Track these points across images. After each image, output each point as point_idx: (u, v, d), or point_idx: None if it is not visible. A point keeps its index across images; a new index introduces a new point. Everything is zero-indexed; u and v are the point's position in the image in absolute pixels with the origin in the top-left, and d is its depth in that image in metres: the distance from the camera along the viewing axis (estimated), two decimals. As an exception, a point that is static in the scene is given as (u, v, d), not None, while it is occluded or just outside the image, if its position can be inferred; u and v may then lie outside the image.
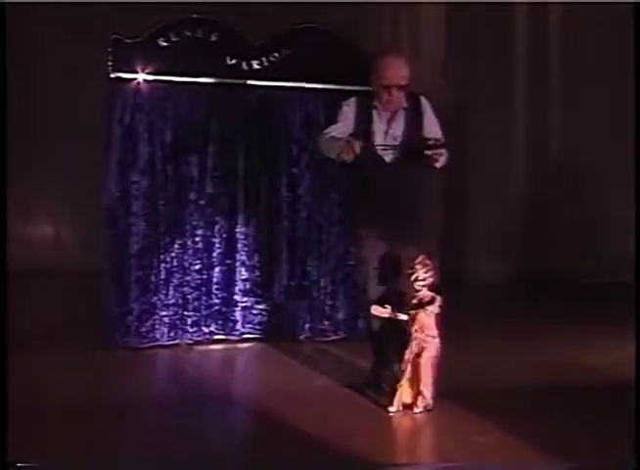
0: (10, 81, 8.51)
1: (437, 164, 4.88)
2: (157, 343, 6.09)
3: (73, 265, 8.12)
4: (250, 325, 6.29)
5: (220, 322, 6.25)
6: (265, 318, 6.32)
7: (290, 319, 6.34)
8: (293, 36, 6.37)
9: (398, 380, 4.64)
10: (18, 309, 7.13)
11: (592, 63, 9.16)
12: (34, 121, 8.76)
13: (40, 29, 8.62)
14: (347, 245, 6.44)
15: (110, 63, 5.91)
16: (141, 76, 5.94)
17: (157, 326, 6.10)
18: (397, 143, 4.92)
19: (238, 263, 6.29)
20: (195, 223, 6.16)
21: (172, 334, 6.13)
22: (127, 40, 5.93)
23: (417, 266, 4.61)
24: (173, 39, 5.98)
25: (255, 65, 6.21)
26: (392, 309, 4.69)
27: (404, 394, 4.62)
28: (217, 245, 6.23)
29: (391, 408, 4.62)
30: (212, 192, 6.18)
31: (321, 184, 6.39)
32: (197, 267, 6.18)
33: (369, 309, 4.88)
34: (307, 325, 6.33)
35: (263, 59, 6.24)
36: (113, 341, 6.01)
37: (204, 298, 6.21)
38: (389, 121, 4.97)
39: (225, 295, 6.24)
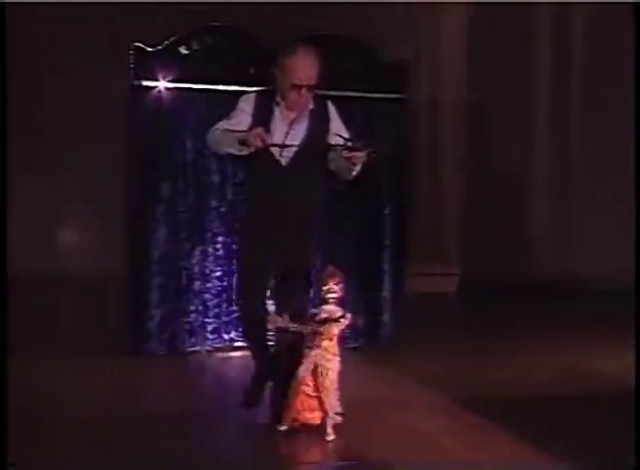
0: (33, 86, 8.70)
1: (354, 171, 4.50)
2: (177, 349, 6.12)
3: (94, 272, 8.14)
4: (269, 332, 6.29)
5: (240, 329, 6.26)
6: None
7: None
8: (312, 43, 6.37)
9: (286, 395, 4.40)
10: (39, 316, 7.22)
11: (613, 68, 9.13)
12: (58, 127, 8.80)
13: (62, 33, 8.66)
14: (368, 253, 6.49)
15: (131, 70, 5.95)
16: (162, 84, 5.97)
17: (177, 333, 6.13)
18: (298, 144, 4.54)
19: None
20: (216, 230, 6.18)
21: (193, 340, 6.15)
22: (149, 48, 5.97)
23: (328, 279, 4.35)
24: (194, 47, 6.02)
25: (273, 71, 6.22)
26: (290, 321, 4.40)
27: (294, 410, 4.37)
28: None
29: (281, 427, 4.37)
30: (233, 199, 6.20)
31: (345, 190, 6.39)
32: (217, 274, 6.20)
33: (246, 320, 4.72)
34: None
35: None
36: (133, 347, 6.04)
37: (224, 305, 6.22)
38: (292, 122, 4.56)
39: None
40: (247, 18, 6.84)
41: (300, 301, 4.59)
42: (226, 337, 6.23)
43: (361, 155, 4.39)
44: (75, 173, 8.82)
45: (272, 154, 4.49)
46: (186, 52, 6.01)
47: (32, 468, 3.89)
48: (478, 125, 9.23)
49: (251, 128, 4.45)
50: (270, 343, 4.78)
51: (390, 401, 5.06)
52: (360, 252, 6.52)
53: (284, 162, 4.53)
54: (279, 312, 4.47)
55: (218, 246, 6.19)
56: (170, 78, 5.98)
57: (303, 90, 4.48)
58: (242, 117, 4.56)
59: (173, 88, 6.00)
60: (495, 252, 9.23)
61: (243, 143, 4.36)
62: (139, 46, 5.95)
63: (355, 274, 6.48)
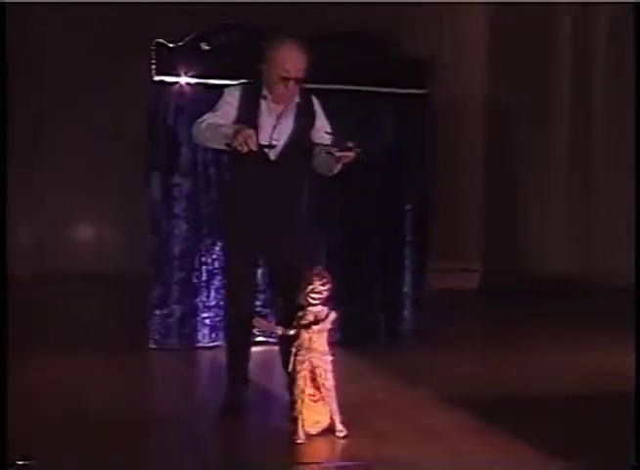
0: (55, 83, 8.74)
1: (335, 169, 4.48)
2: (197, 344, 6.14)
3: (115, 268, 8.18)
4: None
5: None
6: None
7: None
8: (331, 40, 6.40)
9: (294, 407, 4.29)
10: (62, 312, 7.26)
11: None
12: (80, 124, 8.85)
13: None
14: (389, 248, 6.50)
15: (153, 66, 5.97)
16: (183, 80, 5.99)
17: (198, 328, 6.15)
18: (285, 139, 4.46)
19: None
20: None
21: (213, 336, 6.16)
22: (170, 44, 5.99)
23: (313, 278, 4.22)
24: (215, 43, 6.03)
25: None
26: (277, 323, 4.38)
27: (307, 422, 4.26)
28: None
29: (299, 440, 4.23)
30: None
31: (363, 186, 6.41)
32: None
33: (236, 320, 4.62)
34: (345, 329, 6.32)
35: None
36: (154, 342, 6.07)
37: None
38: (280, 116, 4.49)
39: (265, 297, 6.25)
40: (267, 14, 6.86)
41: (290, 299, 4.45)
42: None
43: (351, 154, 4.33)
44: (96, 170, 8.85)
45: (261, 149, 4.37)
46: (207, 48, 6.03)
47: (60, 464, 3.92)
48: (499, 122, 9.20)
49: (236, 121, 4.40)
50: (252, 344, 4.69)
51: (410, 399, 5.05)
52: (381, 248, 6.52)
53: (272, 156, 4.46)
54: (264, 316, 4.42)
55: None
56: (191, 74, 6.00)
57: (291, 83, 4.42)
58: (227, 110, 4.48)
59: (194, 84, 6.02)
60: (516, 249, 9.21)
61: (230, 144, 4.28)
62: (160, 42, 5.97)
63: (376, 270, 6.49)
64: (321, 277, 4.24)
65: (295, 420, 4.26)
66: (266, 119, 4.47)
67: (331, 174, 4.58)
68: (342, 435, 4.28)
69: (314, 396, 4.30)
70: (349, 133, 6.19)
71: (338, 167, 4.47)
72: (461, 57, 9.33)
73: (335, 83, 6.28)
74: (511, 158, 9.27)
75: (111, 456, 4.02)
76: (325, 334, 4.29)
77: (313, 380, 4.28)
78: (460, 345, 6.51)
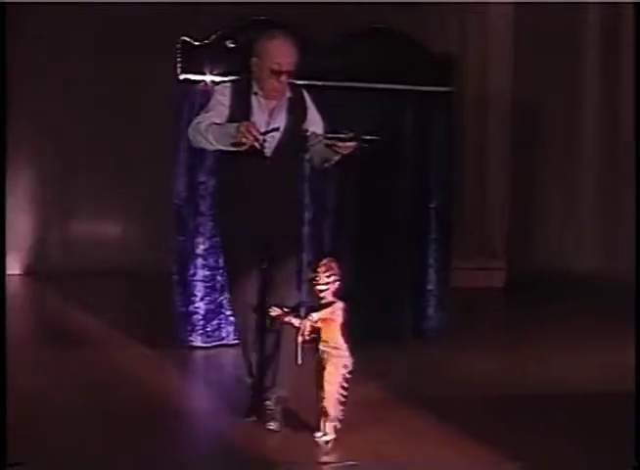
0: (81, 80, 8.78)
1: (332, 160, 4.38)
2: (222, 342, 6.15)
3: (140, 265, 8.21)
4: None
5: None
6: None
7: (353, 320, 6.33)
8: (359, 37, 6.39)
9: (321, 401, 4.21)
10: (86, 308, 7.30)
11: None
12: (105, 122, 8.89)
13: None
14: (414, 246, 6.49)
15: (178, 65, 5.98)
16: (209, 78, 6.00)
17: (222, 325, 6.16)
18: (279, 135, 4.38)
19: (303, 264, 6.31)
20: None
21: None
22: (196, 42, 6.00)
23: (319, 269, 4.21)
24: (240, 41, 6.03)
25: (323, 66, 6.24)
26: (289, 314, 4.31)
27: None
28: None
29: (325, 437, 4.22)
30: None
31: (387, 184, 6.40)
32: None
33: (237, 315, 4.59)
34: (370, 327, 6.32)
35: (330, 60, 6.27)
36: (179, 340, 6.09)
37: (268, 297, 6.24)
38: (272, 111, 4.44)
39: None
40: (293, 11, 6.85)
41: (288, 292, 4.47)
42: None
43: (351, 145, 4.25)
44: (121, 168, 8.88)
45: (255, 145, 4.26)
46: (232, 46, 6.03)
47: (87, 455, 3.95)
48: (524, 119, 9.15)
49: (229, 120, 4.34)
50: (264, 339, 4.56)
51: (435, 397, 5.04)
52: (405, 246, 6.51)
53: (267, 152, 4.37)
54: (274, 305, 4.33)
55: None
56: (217, 72, 6.00)
57: (283, 77, 4.37)
58: (220, 110, 4.41)
59: (220, 82, 6.01)
60: (542, 247, 9.16)
61: (237, 144, 4.19)
62: (186, 40, 5.99)
63: (400, 268, 6.48)
64: (327, 268, 4.21)
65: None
66: (258, 116, 4.40)
67: (327, 166, 4.51)
68: (323, 439, 4.18)
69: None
70: (373, 130, 6.28)
71: (335, 159, 4.38)
72: (486, 54, 9.28)
73: (360, 81, 6.29)
74: (535, 156, 9.21)
75: (136, 451, 4.06)
76: (335, 326, 4.22)
77: (319, 371, 4.22)
78: (484, 343, 6.49)
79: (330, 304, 4.22)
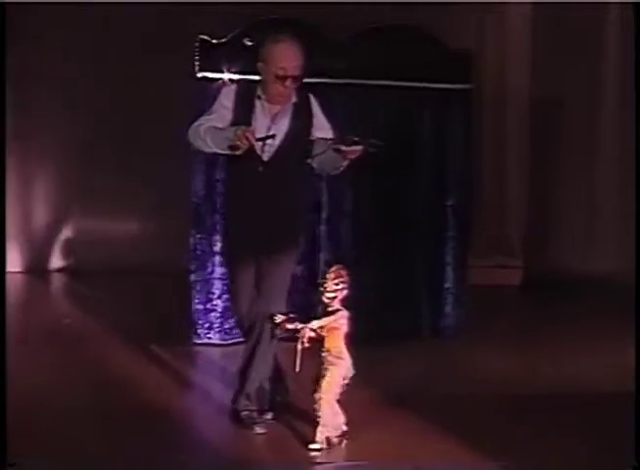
0: (100, 78, 8.81)
1: (342, 166, 4.35)
2: (240, 339, 6.14)
3: (158, 262, 8.22)
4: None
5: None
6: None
7: (371, 318, 6.35)
8: (375, 34, 6.40)
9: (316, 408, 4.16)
10: (104, 305, 7.33)
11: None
12: (124, 120, 8.91)
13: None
14: (431, 244, 6.49)
15: (196, 63, 5.99)
16: (226, 76, 6.01)
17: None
18: (281, 138, 4.34)
19: (321, 261, 6.32)
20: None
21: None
22: (214, 40, 6.01)
23: (328, 276, 4.15)
24: (258, 39, 6.02)
25: (340, 64, 6.24)
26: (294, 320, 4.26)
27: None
28: (300, 244, 6.26)
29: (315, 445, 4.15)
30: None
31: (405, 182, 6.41)
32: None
33: (239, 320, 4.56)
34: (388, 324, 6.33)
35: (348, 58, 6.27)
36: (197, 337, 6.11)
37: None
38: (275, 116, 4.38)
39: (308, 292, 6.27)
40: (311, 9, 6.85)
41: (281, 300, 4.43)
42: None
43: (358, 149, 4.19)
44: (139, 165, 8.90)
45: (254, 149, 4.24)
46: (250, 44, 6.03)
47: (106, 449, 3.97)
48: (542, 117, 9.11)
49: (232, 124, 4.31)
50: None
51: (451, 395, 5.04)
52: (422, 244, 6.51)
53: (265, 157, 4.33)
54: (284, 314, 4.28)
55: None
56: (234, 70, 6.01)
57: (288, 81, 4.31)
58: (223, 113, 4.38)
59: (237, 80, 6.02)
60: (559, 245, 9.13)
61: (233, 147, 4.17)
62: (204, 38, 6.00)
63: (417, 266, 6.48)
64: (336, 276, 4.16)
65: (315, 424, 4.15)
66: (261, 120, 4.37)
67: (336, 173, 4.48)
68: (313, 447, 4.12)
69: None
70: (391, 128, 6.30)
71: (344, 164, 4.34)
72: (504, 51, 9.24)
73: (377, 79, 6.29)
74: (553, 154, 9.18)
75: (153, 446, 4.08)
76: (339, 334, 4.17)
77: (317, 379, 4.17)
78: (501, 341, 6.48)
79: (335, 312, 4.16)
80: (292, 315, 4.27)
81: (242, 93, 4.44)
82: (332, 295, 4.15)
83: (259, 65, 4.40)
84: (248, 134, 4.12)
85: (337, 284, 4.14)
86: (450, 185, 6.56)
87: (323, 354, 4.15)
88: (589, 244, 9.20)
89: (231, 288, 4.64)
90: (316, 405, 4.15)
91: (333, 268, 4.20)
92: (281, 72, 4.29)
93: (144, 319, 6.82)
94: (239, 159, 4.25)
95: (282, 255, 4.46)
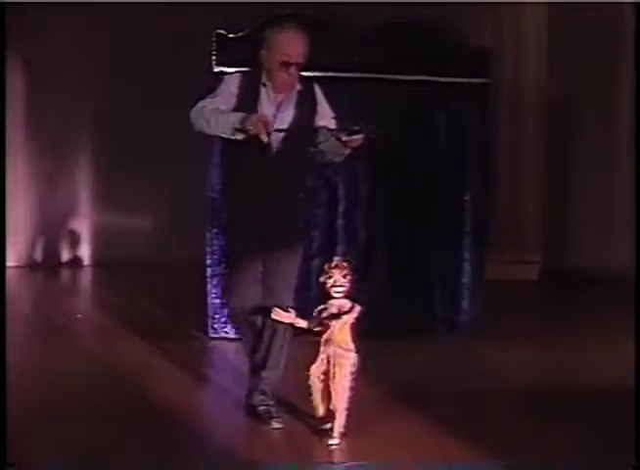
0: (118, 76, 8.84)
1: (345, 153, 4.35)
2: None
3: (175, 257, 8.25)
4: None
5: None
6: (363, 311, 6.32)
7: (387, 313, 6.35)
8: (388, 30, 6.39)
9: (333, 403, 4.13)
10: (122, 299, 7.37)
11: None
12: (136, 116, 8.94)
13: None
14: (448, 239, 6.48)
15: (213, 57, 6.00)
16: (243, 70, 5.99)
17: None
18: (286, 127, 4.31)
19: (337, 255, 6.30)
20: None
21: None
22: (230, 35, 6.02)
23: (333, 270, 4.06)
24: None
25: (353, 59, 6.24)
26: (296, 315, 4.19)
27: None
28: (317, 237, 6.28)
29: (333, 440, 4.12)
30: (312, 185, 6.21)
31: (422, 176, 6.40)
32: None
33: (235, 312, 4.48)
34: (405, 319, 6.33)
35: (365, 53, 6.27)
36: (213, 331, 6.13)
37: (303, 290, 6.24)
38: (280, 104, 4.35)
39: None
40: (327, 5, 6.85)
41: (285, 293, 4.38)
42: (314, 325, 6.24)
43: (358, 138, 4.17)
44: (158, 162, 8.93)
45: (258, 137, 4.14)
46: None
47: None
48: (560, 112, 9.08)
49: (235, 109, 4.27)
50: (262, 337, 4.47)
51: (469, 390, 5.04)
52: (439, 238, 6.50)
53: (274, 146, 4.31)
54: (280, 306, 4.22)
55: (298, 231, 6.23)
56: (251, 65, 5.99)
57: (292, 69, 4.29)
58: (227, 97, 4.32)
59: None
60: (577, 240, 9.10)
61: (241, 129, 4.12)
62: (221, 33, 6.00)
63: (434, 261, 6.47)
64: (341, 269, 4.09)
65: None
66: (267, 108, 4.33)
67: (339, 160, 4.49)
68: (333, 442, 4.11)
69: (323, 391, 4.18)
70: (408, 121, 6.29)
71: (346, 152, 4.34)
72: (522, 45, 9.21)
73: (394, 73, 6.28)
74: (572, 148, 9.15)
75: (170, 442, 4.10)
76: (347, 327, 4.13)
77: (325, 374, 4.15)
78: (518, 336, 6.46)
79: (351, 308, 4.11)
80: (289, 310, 4.21)
81: (247, 80, 4.40)
82: (341, 288, 4.09)
83: (263, 53, 4.37)
84: (264, 120, 4.10)
85: (344, 277, 4.09)
86: (467, 180, 6.55)
87: (332, 348, 4.11)
88: (607, 238, 9.17)
89: (231, 282, 4.52)
90: (333, 399, 4.12)
91: (335, 262, 4.12)
92: (285, 59, 4.27)
93: (160, 314, 6.84)
94: (246, 148, 4.20)
95: (289, 247, 4.42)
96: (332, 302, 4.12)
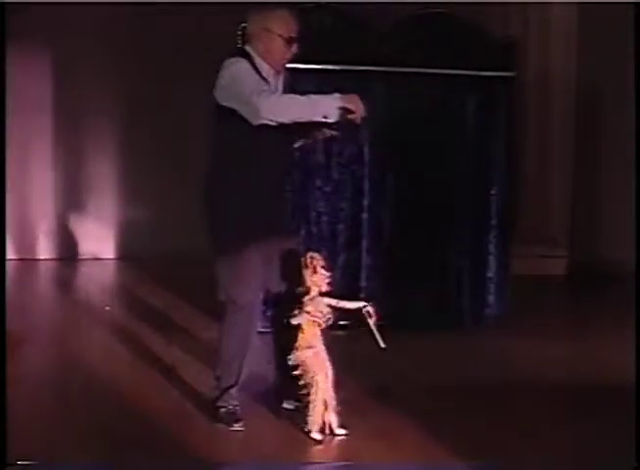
0: (141, 75, 8.86)
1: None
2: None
3: (190, 251, 8.26)
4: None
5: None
6: (389, 305, 6.32)
7: (413, 307, 6.33)
8: (418, 22, 6.36)
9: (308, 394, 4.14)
10: (138, 292, 7.39)
11: None
12: (148, 111, 8.98)
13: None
14: (475, 233, 6.45)
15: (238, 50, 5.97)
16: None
17: (281, 311, 6.16)
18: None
19: (363, 250, 6.31)
20: (320, 210, 6.20)
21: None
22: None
23: (316, 264, 4.08)
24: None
25: (382, 51, 6.22)
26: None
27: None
28: (342, 231, 6.27)
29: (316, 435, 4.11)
30: (338, 178, 6.21)
31: (449, 170, 6.38)
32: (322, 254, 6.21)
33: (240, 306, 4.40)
34: (431, 314, 6.31)
35: (391, 46, 6.25)
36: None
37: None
38: (278, 83, 4.37)
39: (350, 281, 6.25)
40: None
41: (290, 287, 4.35)
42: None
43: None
44: (179, 158, 8.94)
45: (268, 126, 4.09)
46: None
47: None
48: (587, 105, 9.01)
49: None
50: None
51: (493, 384, 5.02)
52: (466, 233, 6.47)
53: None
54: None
55: (323, 225, 6.22)
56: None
57: (294, 45, 4.29)
58: (262, 85, 4.20)
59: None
60: (604, 235, 9.04)
61: (345, 111, 4.07)
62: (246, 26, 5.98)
63: (460, 255, 6.45)
64: (319, 261, 4.10)
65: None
66: (277, 88, 4.35)
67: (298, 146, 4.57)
68: (342, 432, 4.12)
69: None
70: (434, 116, 6.27)
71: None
72: (549, 39, 9.15)
73: (421, 66, 6.26)
74: (598, 141, 9.07)
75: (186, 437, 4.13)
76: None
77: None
78: (544, 330, 6.43)
79: (374, 311, 4.16)
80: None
81: (250, 67, 4.27)
82: (328, 281, 4.09)
83: (264, 34, 4.28)
84: (358, 101, 4.11)
85: (326, 270, 4.10)
86: (494, 174, 6.52)
87: (315, 345, 4.17)
88: (634, 234, 9.08)
89: (236, 272, 4.37)
90: (312, 396, 4.12)
91: (309, 257, 4.10)
92: (293, 34, 4.27)
93: (184, 308, 6.85)
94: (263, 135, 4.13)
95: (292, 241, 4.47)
96: (320, 299, 4.13)
